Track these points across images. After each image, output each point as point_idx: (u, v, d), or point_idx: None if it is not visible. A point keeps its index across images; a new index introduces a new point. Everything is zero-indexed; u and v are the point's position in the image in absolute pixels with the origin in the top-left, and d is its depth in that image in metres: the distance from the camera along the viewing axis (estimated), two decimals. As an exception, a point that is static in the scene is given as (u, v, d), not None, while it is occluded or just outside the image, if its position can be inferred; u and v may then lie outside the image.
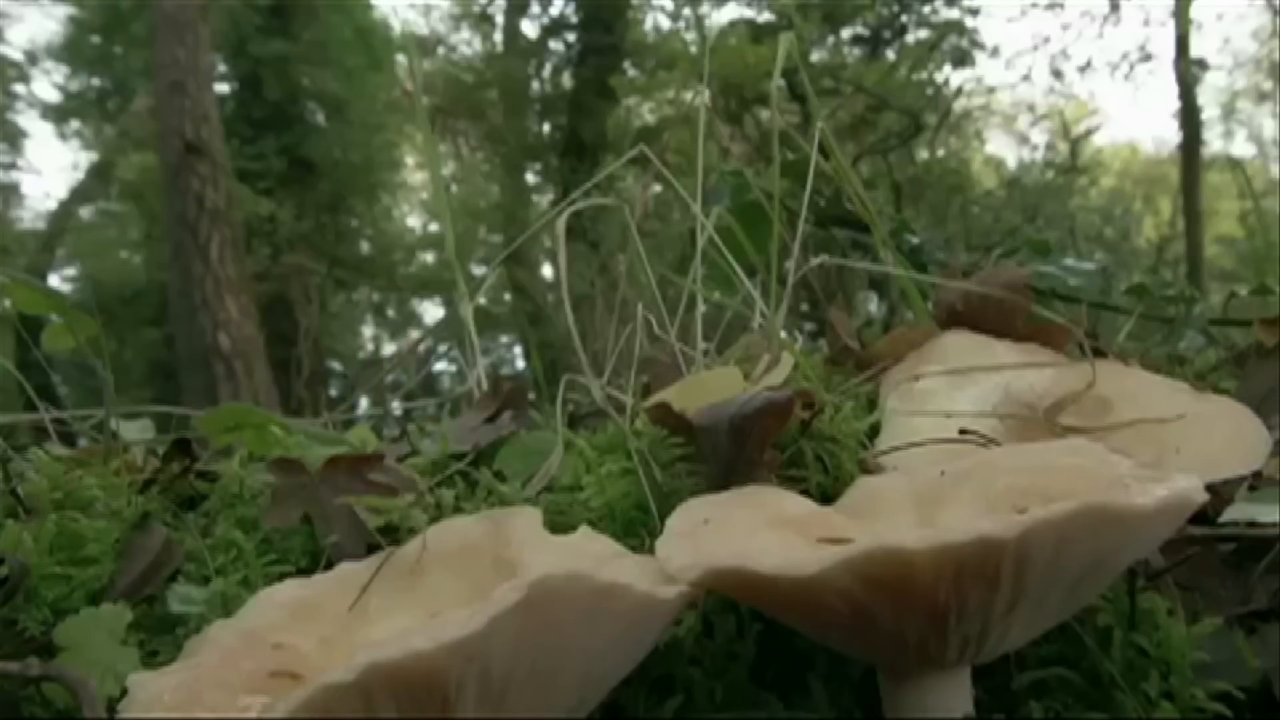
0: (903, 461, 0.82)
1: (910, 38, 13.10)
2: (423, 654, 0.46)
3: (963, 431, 0.81)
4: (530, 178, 15.37)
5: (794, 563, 0.51)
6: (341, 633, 0.66)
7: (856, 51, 13.42)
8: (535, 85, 15.13)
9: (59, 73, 13.96)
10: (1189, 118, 11.40)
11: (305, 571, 0.81)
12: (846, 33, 13.30)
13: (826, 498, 0.76)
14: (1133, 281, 1.46)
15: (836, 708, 0.68)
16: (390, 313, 17.11)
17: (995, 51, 13.19)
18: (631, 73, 14.21)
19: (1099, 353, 0.96)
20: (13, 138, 13.63)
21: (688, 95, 11.98)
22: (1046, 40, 13.13)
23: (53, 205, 14.15)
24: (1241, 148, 16.63)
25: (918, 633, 0.54)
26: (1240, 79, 15.23)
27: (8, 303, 1.09)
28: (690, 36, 13.45)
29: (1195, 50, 11.82)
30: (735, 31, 11.81)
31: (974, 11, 12.53)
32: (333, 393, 13.13)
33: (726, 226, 1.28)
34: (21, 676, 0.65)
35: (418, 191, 17.20)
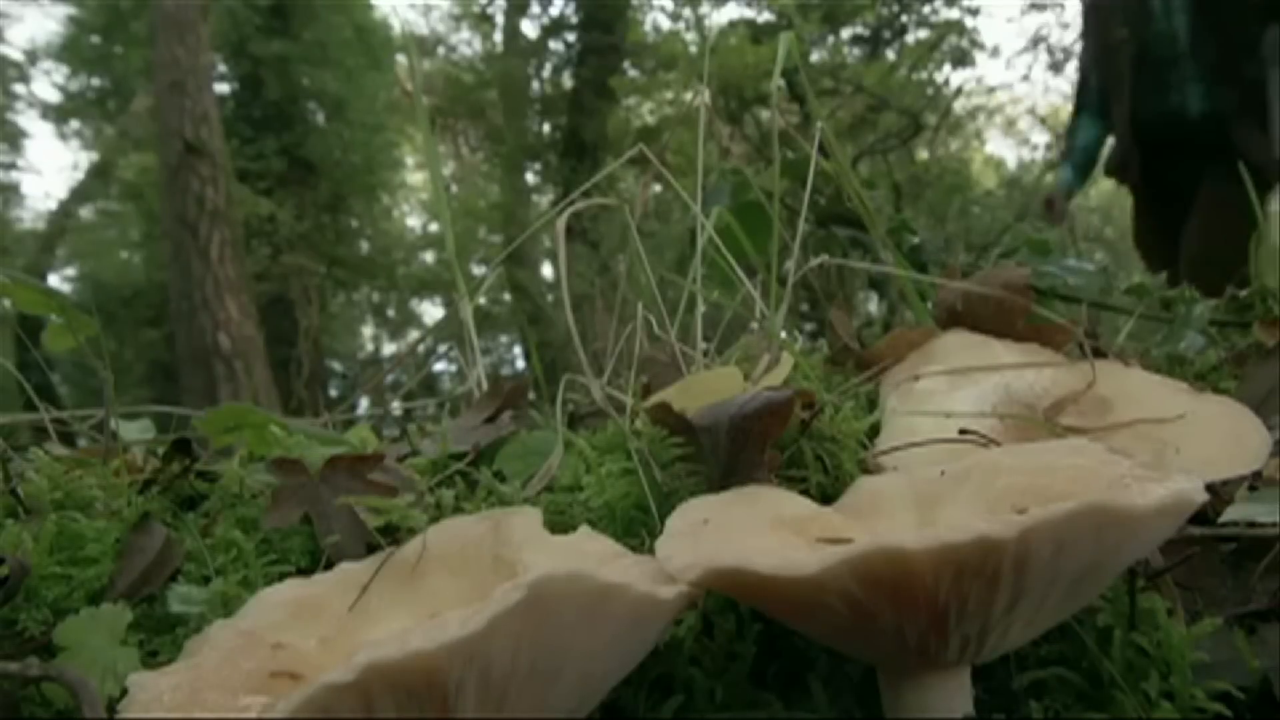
0: (903, 461, 0.82)
1: (910, 38, 13.10)
2: (423, 654, 0.45)
3: (963, 431, 0.81)
4: (530, 178, 15.38)
5: (794, 563, 0.51)
6: (341, 633, 0.66)
7: (856, 51, 13.42)
8: (535, 85, 15.14)
9: (59, 73, 13.98)
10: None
11: (305, 571, 0.81)
12: (846, 33, 13.29)
13: (826, 498, 0.76)
14: (1133, 281, 1.46)
15: (836, 708, 0.68)
16: (390, 313, 17.12)
17: (995, 51, 13.20)
18: (631, 73, 14.21)
19: (1099, 353, 0.96)
20: (13, 138, 13.65)
21: (688, 95, 11.97)
22: (1046, 40, 13.14)
23: (53, 205, 14.18)
24: (1241, 147, 16.60)
25: (918, 633, 0.54)
26: (1240, 78, 15.20)
27: (8, 303, 1.09)
28: (690, 36, 13.44)
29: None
30: (735, 31, 11.80)
31: (974, 11, 12.54)
32: (333, 393, 13.15)
33: (726, 226, 1.28)
34: (21, 676, 0.65)
35: (418, 191, 17.22)
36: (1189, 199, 3.70)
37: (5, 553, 0.80)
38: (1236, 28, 3.35)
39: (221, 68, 12.49)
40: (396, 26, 14.39)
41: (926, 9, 12.81)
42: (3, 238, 13.32)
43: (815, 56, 12.65)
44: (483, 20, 16.10)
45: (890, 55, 13.09)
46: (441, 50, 16.37)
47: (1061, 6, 12.90)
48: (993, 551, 0.49)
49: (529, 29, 15.05)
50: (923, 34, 12.99)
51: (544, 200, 14.66)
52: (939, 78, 13.33)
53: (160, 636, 0.78)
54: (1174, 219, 3.76)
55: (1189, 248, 3.55)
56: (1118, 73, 3.73)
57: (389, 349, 16.80)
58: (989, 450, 0.77)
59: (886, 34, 13.08)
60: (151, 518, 0.87)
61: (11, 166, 13.65)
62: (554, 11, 14.63)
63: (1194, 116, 3.59)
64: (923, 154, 13.76)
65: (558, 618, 0.50)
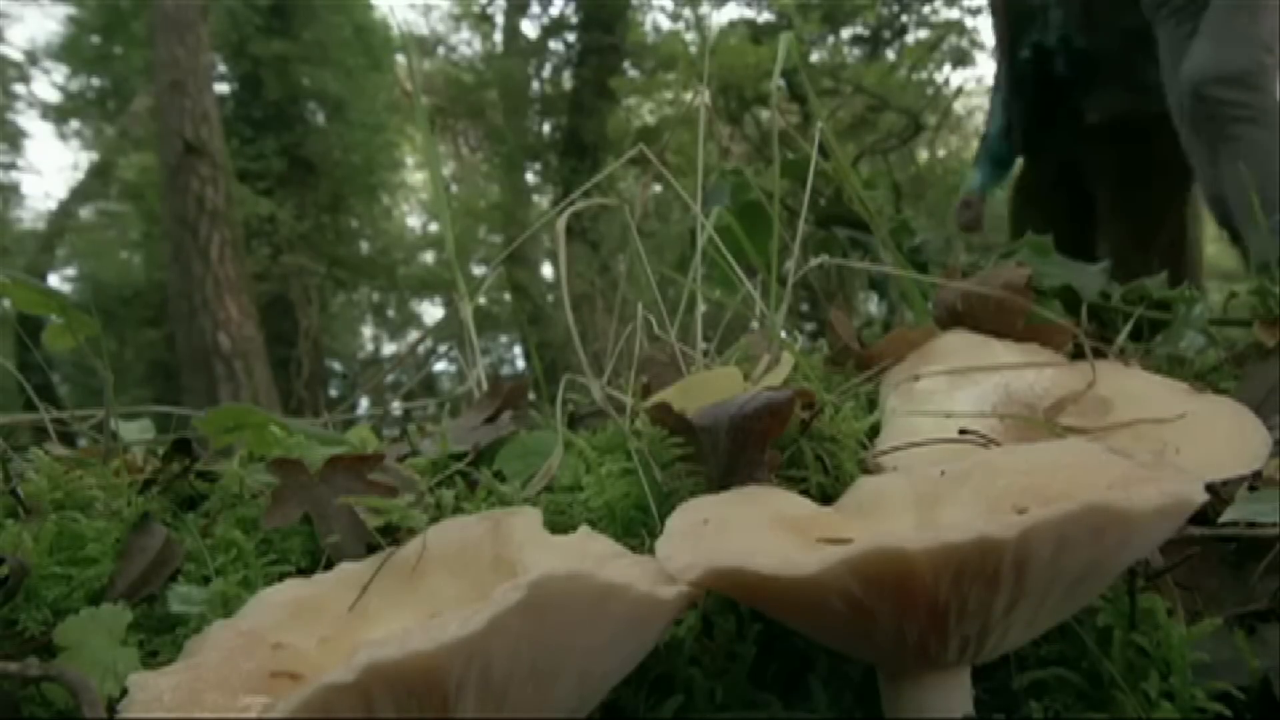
0: (903, 461, 0.82)
1: (910, 38, 13.09)
2: (423, 654, 0.45)
3: (963, 431, 0.81)
4: (530, 178, 15.38)
5: (794, 563, 0.51)
6: (341, 633, 0.66)
7: (856, 51, 13.42)
8: (535, 85, 15.14)
9: (59, 73, 13.98)
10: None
11: (305, 571, 0.81)
12: (846, 33, 13.29)
13: (826, 498, 0.76)
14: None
15: (836, 708, 0.68)
16: (390, 313, 17.13)
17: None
18: (631, 73, 14.21)
19: (1099, 353, 0.96)
20: (13, 138, 13.64)
21: (688, 95, 11.96)
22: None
23: (53, 205, 14.18)
24: (1241, 147, 16.57)
25: (918, 633, 0.54)
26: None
27: (8, 303, 1.09)
28: (690, 36, 13.44)
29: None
30: (735, 31, 11.80)
31: (974, 11, 12.53)
32: (333, 393, 13.16)
33: (726, 226, 1.28)
34: (21, 676, 0.65)
35: (418, 191, 17.22)
36: (1080, 180, 3.64)
37: (5, 553, 0.80)
38: None
39: (221, 68, 12.50)
40: (396, 26, 14.40)
41: (926, 9, 12.81)
42: (3, 238, 13.32)
43: (815, 56, 12.65)
44: (483, 20, 16.10)
45: (890, 55, 13.09)
46: (441, 50, 16.38)
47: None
48: (993, 551, 0.49)
49: (529, 29, 15.08)
50: (923, 34, 12.99)
51: (544, 200, 14.67)
52: (939, 78, 13.33)
53: (160, 636, 0.78)
54: (1071, 205, 3.69)
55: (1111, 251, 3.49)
56: (1000, 30, 3.72)
57: (389, 349, 16.81)
58: (989, 450, 0.77)
59: (886, 34, 13.07)
60: (151, 518, 0.87)
61: (11, 166, 13.66)
62: (554, 11, 14.65)
63: (1059, 68, 3.53)
64: (923, 154, 13.75)
65: (558, 618, 0.50)
